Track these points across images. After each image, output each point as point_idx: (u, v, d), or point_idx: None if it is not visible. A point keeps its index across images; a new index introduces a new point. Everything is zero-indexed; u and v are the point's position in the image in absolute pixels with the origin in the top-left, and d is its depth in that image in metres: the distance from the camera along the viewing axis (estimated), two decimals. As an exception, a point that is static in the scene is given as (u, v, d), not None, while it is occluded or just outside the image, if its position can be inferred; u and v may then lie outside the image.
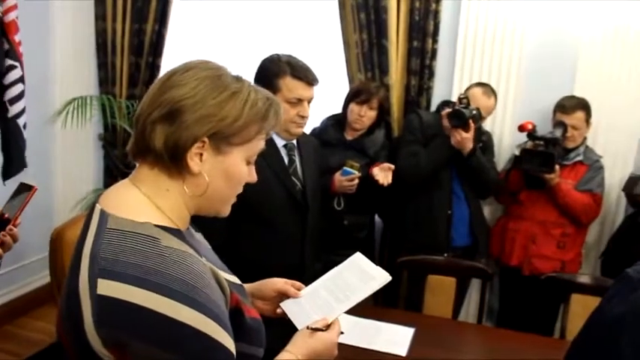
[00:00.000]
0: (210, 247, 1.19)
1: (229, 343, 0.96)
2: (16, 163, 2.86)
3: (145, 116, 1.00)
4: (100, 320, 0.89)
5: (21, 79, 2.84)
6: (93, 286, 0.90)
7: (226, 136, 1.01)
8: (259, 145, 1.07)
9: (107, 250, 0.92)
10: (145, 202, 1.00)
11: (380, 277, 1.45)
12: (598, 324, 0.97)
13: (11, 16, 2.78)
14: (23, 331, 3.28)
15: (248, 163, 1.07)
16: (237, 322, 1.03)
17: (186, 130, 0.98)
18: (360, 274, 1.48)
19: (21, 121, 2.86)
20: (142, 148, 1.01)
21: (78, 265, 0.94)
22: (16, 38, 2.80)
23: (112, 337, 0.89)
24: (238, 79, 1.05)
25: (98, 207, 1.01)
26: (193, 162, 0.99)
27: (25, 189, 1.49)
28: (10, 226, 1.42)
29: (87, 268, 0.92)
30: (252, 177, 1.11)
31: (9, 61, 2.78)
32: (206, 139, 0.99)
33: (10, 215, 1.44)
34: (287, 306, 1.43)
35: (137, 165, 1.05)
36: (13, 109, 2.83)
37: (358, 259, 1.55)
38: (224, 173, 1.03)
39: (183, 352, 0.89)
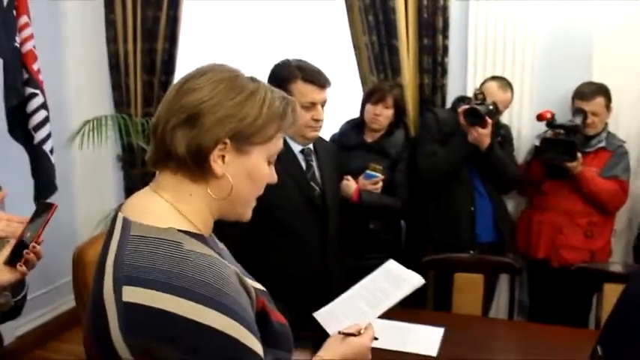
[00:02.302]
0: (232, 256, 1.18)
1: (257, 346, 0.94)
2: (46, 187, 2.92)
3: (163, 124, 1.00)
4: (126, 328, 0.89)
5: (43, 106, 2.90)
6: (118, 293, 0.90)
7: (247, 136, 1.01)
8: (279, 144, 1.08)
9: (131, 257, 0.93)
10: (167, 209, 1.00)
11: (412, 280, 1.44)
12: (631, 298, 0.94)
13: (28, 45, 2.85)
14: (55, 354, 3.30)
15: (269, 163, 1.08)
16: (263, 326, 1.02)
17: (207, 133, 0.98)
18: (393, 279, 1.48)
19: (47, 147, 2.92)
20: (162, 156, 1.01)
21: (102, 275, 0.94)
22: (35, 67, 2.87)
23: (140, 345, 0.89)
24: (254, 79, 1.06)
25: (120, 215, 1.01)
26: (217, 164, 0.99)
27: (45, 208, 1.50)
28: (33, 244, 1.43)
29: (111, 277, 0.92)
30: (273, 177, 1.10)
31: (30, 90, 2.85)
32: (227, 141, 0.99)
33: (33, 234, 1.45)
34: (320, 315, 1.43)
35: (157, 173, 1.05)
36: (39, 136, 2.89)
37: (391, 265, 1.55)
38: (247, 174, 1.03)
39: (212, 356, 0.88)
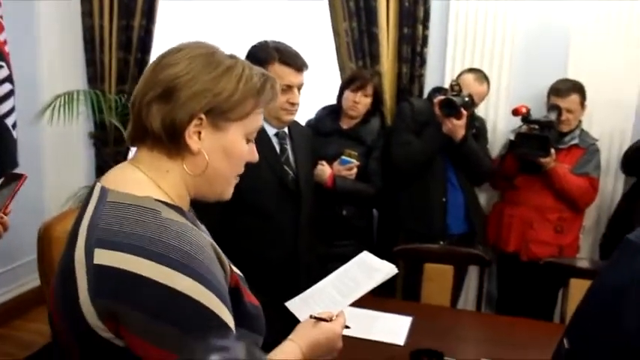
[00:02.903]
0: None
1: (228, 317, 0.93)
2: (5, 162, 2.83)
3: (139, 99, 1.00)
4: (96, 291, 0.88)
5: (8, 79, 2.80)
6: (89, 256, 0.89)
7: (223, 111, 1.00)
8: (257, 120, 1.06)
9: (106, 221, 0.92)
10: (146, 180, 1.00)
11: (385, 269, 1.45)
12: (599, 292, 0.95)
13: (-6, 15, 2.75)
14: (18, 333, 3.25)
15: (248, 140, 1.06)
16: (236, 305, 1.01)
17: (182, 108, 0.97)
18: (366, 269, 1.50)
19: (9, 121, 2.83)
20: (139, 132, 1.01)
21: (74, 240, 0.93)
22: (1, 38, 2.77)
23: (108, 308, 0.88)
24: (232, 56, 1.05)
25: (98, 185, 1.00)
26: (192, 140, 0.99)
27: (14, 178, 1.46)
28: (0, 214, 1.39)
29: (84, 240, 0.92)
30: (253, 155, 1.09)
31: None
32: (203, 116, 0.98)
33: (0, 205, 1.41)
34: (293, 304, 1.43)
35: (136, 149, 1.05)
36: (1, 109, 2.80)
37: (365, 256, 1.56)
38: (224, 150, 1.02)
39: (179, 321, 0.87)
